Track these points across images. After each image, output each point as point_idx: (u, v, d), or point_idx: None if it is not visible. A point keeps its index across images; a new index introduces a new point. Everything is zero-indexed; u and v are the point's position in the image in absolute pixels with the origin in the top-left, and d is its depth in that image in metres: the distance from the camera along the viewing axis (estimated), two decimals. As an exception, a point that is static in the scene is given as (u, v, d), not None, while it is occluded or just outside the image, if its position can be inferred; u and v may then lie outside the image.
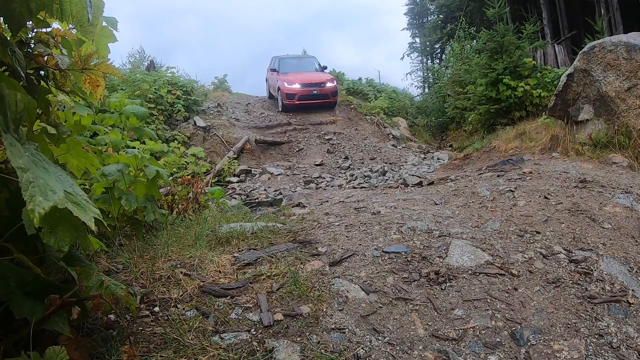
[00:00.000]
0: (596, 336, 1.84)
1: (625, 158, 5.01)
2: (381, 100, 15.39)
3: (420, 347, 1.74)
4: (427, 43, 24.08)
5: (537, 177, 4.40)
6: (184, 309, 1.86)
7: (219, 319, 1.82)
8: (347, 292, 2.11)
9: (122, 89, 9.87)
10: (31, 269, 1.28)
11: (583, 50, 5.89)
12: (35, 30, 1.70)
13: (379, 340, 1.77)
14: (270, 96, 16.41)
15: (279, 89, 14.67)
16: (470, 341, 1.79)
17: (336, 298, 2.05)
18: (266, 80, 17.26)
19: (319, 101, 14.31)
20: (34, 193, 0.89)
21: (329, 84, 14.52)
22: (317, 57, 18.01)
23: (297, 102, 14.03)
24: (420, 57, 25.48)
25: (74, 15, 1.39)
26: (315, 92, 14.21)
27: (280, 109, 14.51)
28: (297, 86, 14.14)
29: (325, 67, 16.39)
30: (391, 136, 13.02)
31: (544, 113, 7.72)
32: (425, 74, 22.77)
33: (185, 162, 8.01)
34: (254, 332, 1.74)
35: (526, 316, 1.95)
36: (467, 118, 11.06)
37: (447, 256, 2.48)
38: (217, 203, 4.66)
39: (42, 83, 1.79)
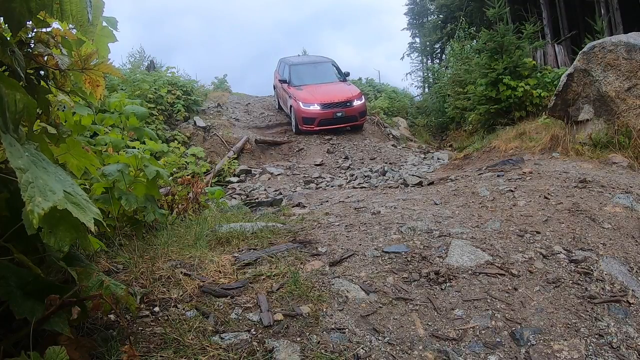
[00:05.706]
0: (596, 336, 1.84)
1: (625, 158, 5.01)
2: (381, 100, 15.32)
3: (420, 347, 1.74)
4: (427, 43, 24.07)
5: (537, 177, 4.40)
6: (184, 309, 1.87)
7: (219, 319, 1.82)
8: (347, 292, 2.11)
9: (122, 89, 9.86)
10: (31, 269, 1.28)
11: (583, 50, 5.88)
12: (35, 30, 1.70)
13: (379, 340, 1.77)
14: (280, 108, 13.60)
15: (291, 107, 11.66)
16: (470, 341, 1.79)
17: (336, 298, 2.05)
18: (274, 87, 14.22)
19: (345, 125, 11.44)
20: (33, 194, 0.89)
21: (356, 102, 11.36)
22: (334, 59, 13.78)
23: (317, 128, 11.23)
24: (420, 57, 25.46)
25: (74, 15, 1.39)
26: (340, 114, 11.18)
27: (294, 131, 11.84)
28: (316, 107, 11.14)
29: (347, 75, 13.09)
30: (391, 136, 12.99)
31: (544, 113, 7.72)
32: (425, 74, 22.74)
33: (185, 162, 8.02)
34: (254, 332, 1.74)
35: (526, 316, 1.95)
36: (467, 118, 11.06)
37: (447, 256, 2.48)
38: (217, 203, 4.66)
39: (42, 83, 1.79)
